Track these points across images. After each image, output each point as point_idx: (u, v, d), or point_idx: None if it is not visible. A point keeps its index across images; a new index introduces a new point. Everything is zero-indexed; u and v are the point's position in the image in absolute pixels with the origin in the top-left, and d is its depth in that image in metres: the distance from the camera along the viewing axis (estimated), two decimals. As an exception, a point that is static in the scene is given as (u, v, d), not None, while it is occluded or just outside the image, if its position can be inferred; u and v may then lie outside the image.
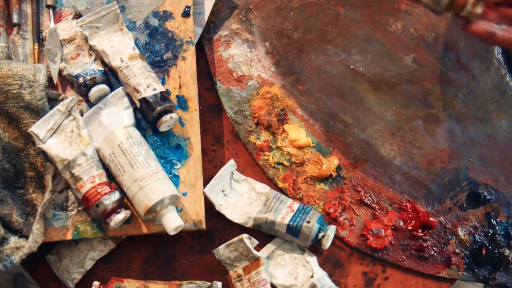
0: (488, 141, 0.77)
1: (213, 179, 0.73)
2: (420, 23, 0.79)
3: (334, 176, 0.76)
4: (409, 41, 0.79)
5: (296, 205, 0.72)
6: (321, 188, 0.76)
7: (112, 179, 0.70)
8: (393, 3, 0.80)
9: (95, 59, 0.75)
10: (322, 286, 0.70)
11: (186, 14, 0.78)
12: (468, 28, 0.61)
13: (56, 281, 0.73)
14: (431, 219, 0.74)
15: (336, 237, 0.75)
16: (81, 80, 0.72)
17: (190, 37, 0.77)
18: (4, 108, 0.69)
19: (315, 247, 0.73)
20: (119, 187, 0.69)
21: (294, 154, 0.77)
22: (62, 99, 0.72)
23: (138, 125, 0.74)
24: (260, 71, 0.81)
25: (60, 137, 0.70)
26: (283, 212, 0.71)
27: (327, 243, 0.70)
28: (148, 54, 0.77)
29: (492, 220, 0.75)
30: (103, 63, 0.75)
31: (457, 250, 0.74)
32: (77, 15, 0.78)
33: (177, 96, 0.75)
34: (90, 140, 0.70)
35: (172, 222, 0.66)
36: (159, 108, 0.70)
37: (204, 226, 0.71)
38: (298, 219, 0.70)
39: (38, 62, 0.76)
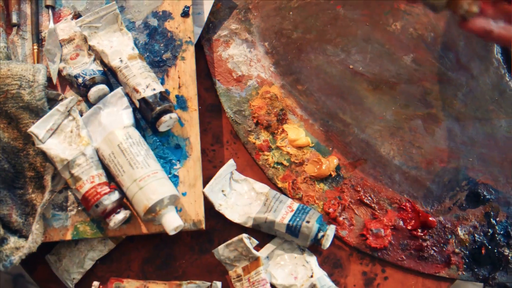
0: (488, 140, 0.77)
1: (213, 179, 0.73)
2: (419, 22, 0.79)
3: (333, 176, 0.76)
4: (409, 41, 0.78)
5: (295, 205, 0.72)
6: (321, 188, 0.76)
7: (111, 179, 0.70)
8: (392, 2, 0.80)
9: (94, 59, 0.75)
10: (322, 286, 0.70)
11: (185, 14, 0.78)
12: (465, 25, 0.61)
13: (56, 281, 0.73)
14: (430, 218, 0.74)
15: (336, 237, 0.75)
16: (80, 80, 0.72)
17: (190, 37, 0.77)
18: (4, 108, 0.69)
19: (314, 247, 0.73)
20: (118, 187, 0.69)
21: (293, 154, 0.77)
22: (62, 99, 0.72)
23: (137, 125, 0.73)
24: (260, 71, 0.80)
25: (59, 137, 0.70)
26: (283, 212, 0.71)
27: (326, 243, 0.70)
28: (148, 54, 0.77)
29: (491, 219, 0.75)
30: (102, 63, 0.75)
31: (456, 250, 0.74)
32: (76, 15, 0.78)
33: (177, 96, 0.75)
34: (89, 140, 0.70)
35: (171, 222, 0.66)
36: (158, 108, 0.70)
37: (203, 226, 0.71)
38: (297, 219, 0.70)
39: (38, 62, 0.75)
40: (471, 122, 0.77)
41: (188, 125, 0.74)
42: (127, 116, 0.72)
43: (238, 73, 0.80)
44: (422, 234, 0.74)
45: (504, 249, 0.73)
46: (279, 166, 0.77)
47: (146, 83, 0.71)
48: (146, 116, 0.72)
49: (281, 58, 0.81)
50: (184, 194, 0.72)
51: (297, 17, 0.81)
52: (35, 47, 0.76)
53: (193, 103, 0.75)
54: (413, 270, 0.74)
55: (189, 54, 0.77)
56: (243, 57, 0.81)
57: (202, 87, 0.81)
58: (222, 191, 0.74)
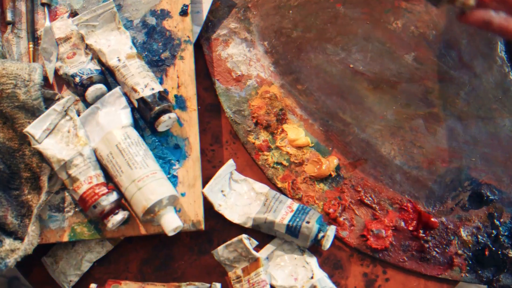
0: (491, 140, 0.76)
1: (212, 179, 0.73)
2: (421, 20, 0.79)
3: (333, 176, 0.76)
4: (410, 39, 0.78)
5: (295, 205, 0.72)
6: (321, 188, 0.76)
7: (109, 180, 0.70)
8: (393, 0, 0.80)
9: (91, 58, 0.74)
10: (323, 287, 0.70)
11: (183, 12, 0.78)
12: (463, 18, 0.61)
13: (52, 284, 0.73)
14: (432, 219, 0.74)
15: (336, 237, 0.75)
16: (77, 79, 0.72)
17: (188, 36, 0.77)
18: (-1, 108, 0.69)
19: (314, 247, 0.73)
20: (116, 188, 0.69)
21: (293, 154, 0.77)
22: (58, 99, 0.72)
23: (136, 125, 0.73)
24: (259, 70, 0.80)
25: (56, 137, 0.69)
26: (283, 212, 0.71)
27: (327, 243, 0.70)
28: (146, 53, 0.77)
29: (495, 220, 0.74)
30: (100, 62, 0.75)
31: (459, 251, 0.74)
32: (73, 14, 0.77)
33: (175, 96, 0.75)
34: (87, 140, 0.69)
35: (170, 223, 0.66)
36: (157, 108, 0.70)
37: (203, 226, 0.71)
38: (297, 219, 0.70)
39: (33, 61, 0.75)
40: (474, 121, 0.77)
41: (187, 125, 0.74)
42: (126, 116, 0.71)
43: (238, 72, 0.80)
44: (424, 235, 0.74)
45: (509, 250, 0.73)
46: (278, 166, 0.77)
47: (145, 83, 0.71)
48: (145, 116, 0.72)
49: (280, 58, 0.80)
50: (183, 195, 0.72)
51: (296, 16, 0.81)
52: (31, 45, 0.76)
53: (192, 103, 0.75)
54: (415, 271, 0.74)
55: (188, 53, 0.76)
56: (243, 57, 0.81)
57: (201, 87, 0.81)
58: (222, 191, 0.74)
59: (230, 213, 0.73)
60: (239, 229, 0.74)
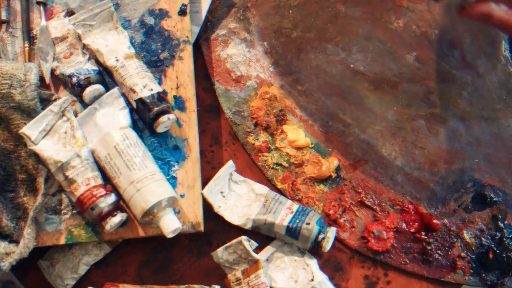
0: (495, 140, 0.76)
1: (212, 180, 0.73)
2: (422, 19, 0.78)
3: (333, 177, 0.76)
4: (411, 39, 0.78)
5: (295, 206, 0.72)
6: (321, 189, 0.76)
7: (107, 182, 0.70)
8: (394, -1, 0.79)
9: (89, 58, 0.74)
10: (323, 290, 0.69)
11: (182, 12, 0.78)
12: (463, 11, 0.61)
13: (49, 288, 0.73)
14: (434, 221, 0.73)
15: (337, 239, 0.75)
16: (74, 80, 0.72)
17: (187, 36, 0.77)
18: (-6, 109, 0.69)
19: (314, 249, 0.73)
20: (114, 190, 0.69)
21: (293, 155, 0.77)
22: (55, 100, 0.72)
23: (134, 126, 0.73)
24: (259, 71, 0.80)
25: (53, 138, 0.69)
26: (283, 214, 0.71)
27: (327, 245, 0.70)
28: (144, 53, 0.77)
29: (499, 222, 0.74)
30: (98, 62, 0.75)
31: (462, 254, 0.73)
32: (70, 13, 0.77)
33: (175, 97, 0.75)
34: (84, 142, 0.69)
35: (169, 225, 0.66)
36: (156, 108, 0.70)
37: (202, 228, 0.71)
38: (297, 221, 0.70)
39: (29, 61, 0.75)
40: (477, 122, 0.76)
41: (187, 126, 0.74)
42: (124, 117, 0.71)
43: (237, 73, 0.80)
44: (426, 237, 0.73)
45: (513, 253, 0.73)
46: (278, 167, 0.77)
47: (143, 83, 0.71)
48: (144, 117, 0.72)
49: (280, 58, 0.80)
50: (182, 196, 0.72)
51: (296, 16, 0.81)
52: (26, 45, 0.76)
53: (192, 104, 0.75)
54: (417, 274, 0.74)
55: (187, 53, 0.76)
56: (242, 57, 0.81)
57: (201, 88, 0.81)
58: (221, 192, 0.74)
59: (230, 215, 0.73)
60: (238, 230, 0.74)
